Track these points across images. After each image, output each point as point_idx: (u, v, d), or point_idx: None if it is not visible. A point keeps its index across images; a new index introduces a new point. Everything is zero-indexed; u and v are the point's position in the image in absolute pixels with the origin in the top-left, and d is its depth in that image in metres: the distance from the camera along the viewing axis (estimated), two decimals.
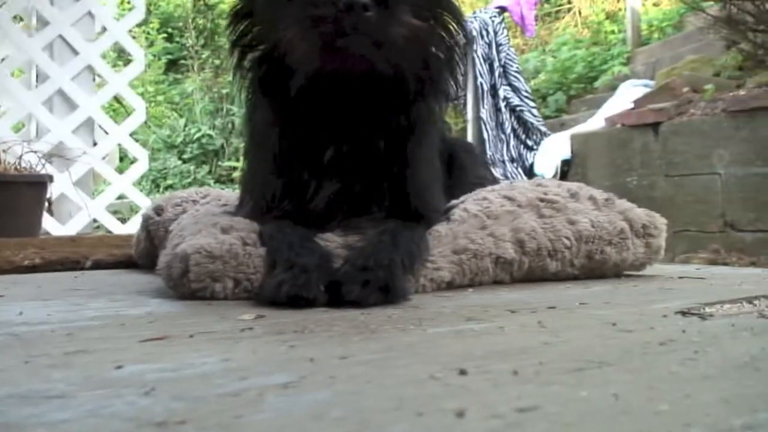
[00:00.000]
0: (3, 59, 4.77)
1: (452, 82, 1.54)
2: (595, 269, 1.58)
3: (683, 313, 1.07)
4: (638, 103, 5.59)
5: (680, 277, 1.62)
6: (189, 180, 9.46)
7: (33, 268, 2.01)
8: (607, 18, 9.59)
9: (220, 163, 9.75)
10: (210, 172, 9.70)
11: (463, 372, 0.71)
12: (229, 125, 9.89)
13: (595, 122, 6.25)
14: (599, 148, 5.83)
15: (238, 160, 9.12)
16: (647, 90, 5.99)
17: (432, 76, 1.49)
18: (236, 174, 9.11)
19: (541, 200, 1.57)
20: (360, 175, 1.46)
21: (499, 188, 1.66)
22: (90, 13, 4.80)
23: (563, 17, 10.56)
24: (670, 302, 1.20)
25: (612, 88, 7.24)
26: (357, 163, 1.46)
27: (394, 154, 1.48)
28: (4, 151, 3.50)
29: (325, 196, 1.45)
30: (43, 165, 3.76)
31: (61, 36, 4.67)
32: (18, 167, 3.51)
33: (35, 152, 3.72)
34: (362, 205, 1.47)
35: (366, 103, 1.42)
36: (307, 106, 1.43)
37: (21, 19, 5.06)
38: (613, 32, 9.06)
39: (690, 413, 0.57)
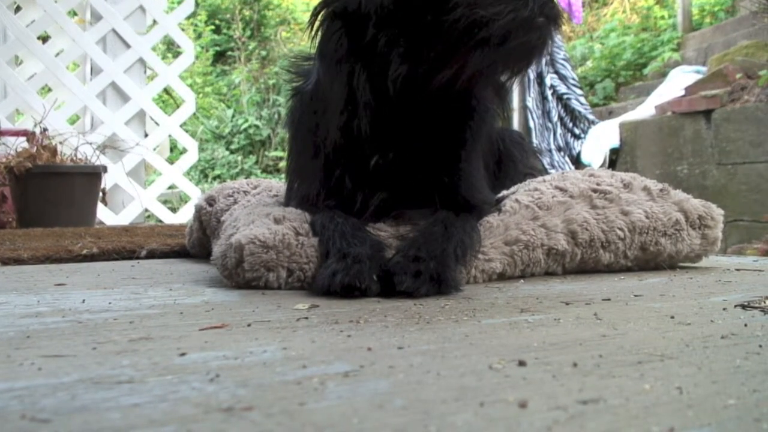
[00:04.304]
0: (58, 53, 4.90)
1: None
2: (650, 261, 1.56)
3: (744, 306, 1.05)
4: (689, 89, 5.47)
5: (737, 269, 1.58)
6: (236, 170, 9.59)
7: (91, 257, 2.06)
8: (656, 3, 9.37)
9: (266, 153, 9.86)
10: (257, 162, 9.81)
11: (522, 363, 0.71)
12: (276, 116, 9.99)
13: (645, 110, 6.13)
14: (649, 137, 5.72)
15: (284, 150, 9.21)
16: (699, 76, 5.85)
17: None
18: (282, 164, 9.20)
19: (594, 191, 1.55)
20: (407, 184, 1.46)
21: (551, 179, 1.64)
22: (141, 7, 4.90)
23: (611, 3, 10.36)
24: (729, 295, 1.18)
25: (662, 74, 7.09)
26: (404, 173, 1.45)
27: (444, 165, 1.48)
28: (60, 143, 3.59)
29: (372, 206, 1.46)
30: (98, 156, 3.85)
31: (114, 30, 4.78)
32: (74, 158, 3.61)
33: (90, 144, 3.82)
34: (411, 206, 1.47)
35: (432, 112, 1.43)
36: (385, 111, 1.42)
37: (75, 14, 5.18)
38: (663, 18, 8.86)
39: (759, 408, 0.56)
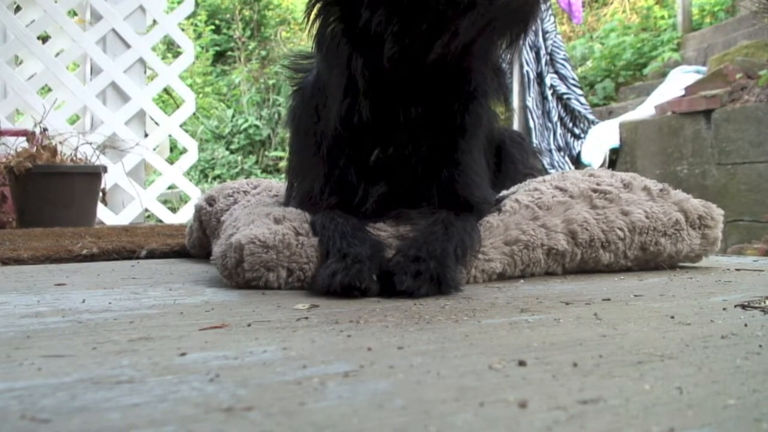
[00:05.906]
0: (58, 53, 4.90)
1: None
2: (649, 261, 1.56)
3: (744, 307, 1.05)
4: (689, 89, 5.47)
5: (737, 269, 1.58)
6: (236, 170, 9.59)
7: (91, 257, 2.06)
8: (656, 3, 9.36)
9: (266, 153, 9.85)
10: (257, 162, 9.81)
11: (522, 363, 0.71)
12: (276, 116, 9.98)
13: (645, 110, 6.13)
14: (649, 137, 5.72)
15: (284, 150, 9.21)
16: (699, 76, 5.85)
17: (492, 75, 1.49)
18: (282, 164, 9.20)
19: (594, 191, 1.55)
20: (408, 176, 1.46)
21: (551, 179, 1.64)
22: (141, 7, 4.89)
23: (611, 3, 10.35)
24: (729, 295, 1.18)
25: (662, 74, 7.09)
26: (404, 165, 1.45)
27: (444, 156, 1.48)
28: (60, 143, 3.59)
29: (373, 199, 1.45)
30: (98, 156, 3.85)
31: (113, 30, 4.78)
32: (74, 158, 3.61)
33: (90, 144, 3.81)
34: (411, 203, 1.47)
35: (430, 95, 1.42)
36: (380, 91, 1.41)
37: (75, 14, 5.18)
38: (663, 17, 8.85)
39: (759, 408, 0.56)
